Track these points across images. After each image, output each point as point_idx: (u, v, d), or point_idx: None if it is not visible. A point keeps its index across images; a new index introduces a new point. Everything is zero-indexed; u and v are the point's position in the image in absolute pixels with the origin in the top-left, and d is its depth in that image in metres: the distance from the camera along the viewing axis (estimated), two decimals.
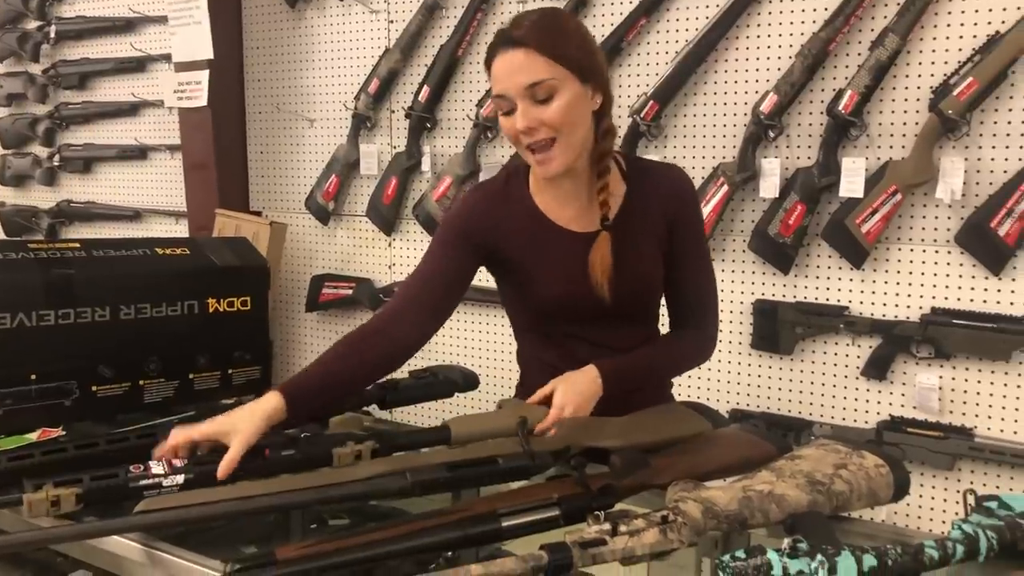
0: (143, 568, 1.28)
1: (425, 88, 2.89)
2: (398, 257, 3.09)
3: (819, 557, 1.01)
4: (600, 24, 2.60)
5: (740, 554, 1.00)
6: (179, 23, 3.20)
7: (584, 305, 1.57)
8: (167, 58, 3.34)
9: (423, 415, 2.90)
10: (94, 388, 1.70)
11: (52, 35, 3.67)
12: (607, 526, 1.08)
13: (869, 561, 1.02)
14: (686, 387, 2.51)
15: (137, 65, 3.54)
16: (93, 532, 1.23)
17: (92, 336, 1.69)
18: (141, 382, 1.77)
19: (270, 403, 1.34)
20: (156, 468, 1.32)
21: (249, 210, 3.36)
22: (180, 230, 3.49)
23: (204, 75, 3.20)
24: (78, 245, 1.76)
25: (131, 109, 3.59)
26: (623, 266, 1.55)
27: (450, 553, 1.19)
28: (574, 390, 1.47)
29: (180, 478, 1.32)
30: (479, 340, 2.93)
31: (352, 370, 1.49)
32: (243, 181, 3.38)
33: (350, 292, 3.14)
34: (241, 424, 1.29)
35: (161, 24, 3.39)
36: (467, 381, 1.84)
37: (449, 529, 1.14)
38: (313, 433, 1.50)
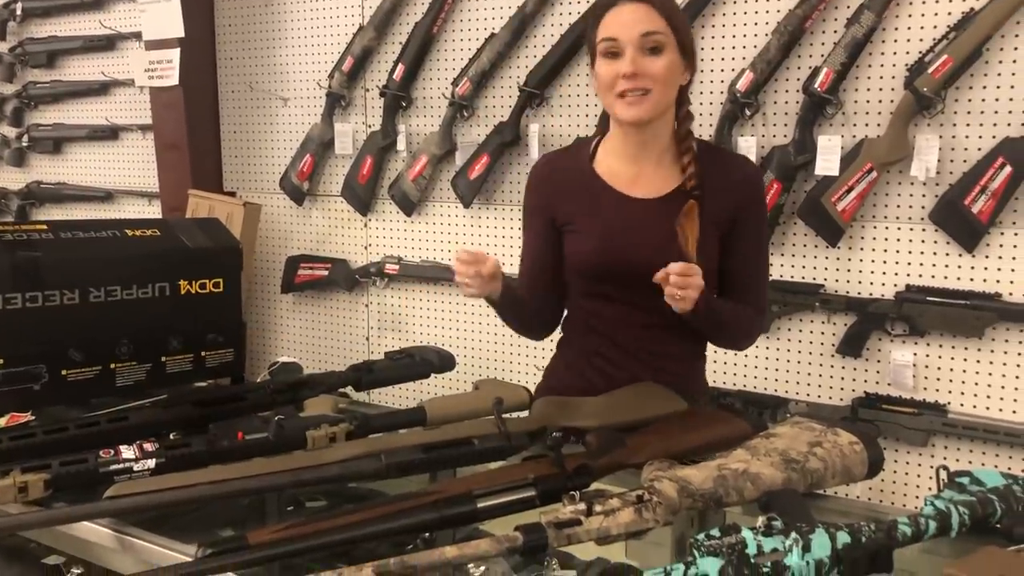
0: (114, 554, 1.27)
1: (400, 66, 2.86)
2: (374, 237, 3.07)
3: (793, 535, 1.01)
4: (576, 1, 2.58)
5: (715, 532, 1.00)
6: (149, 0, 3.15)
7: (624, 268, 1.62)
8: (137, 36, 3.28)
9: (400, 397, 2.89)
10: (64, 372, 1.67)
11: (19, 12, 3.60)
12: (582, 506, 1.08)
13: (843, 538, 1.03)
14: None
15: (107, 43, 3.48)
16: (62, 518, 1.22)
17: (61, 319, 1.66)
18: (112, 365, 1.74)
19: None
20: (127, 452, 1.31)
21: (223, 191, 3.32)
22: (153, 211, 3.45)
23: (175, 53, 3.15)
24: (46, 227, 1.72)
25: (101, 88, 3.52)
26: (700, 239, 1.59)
27: (428, 535, 1.18)
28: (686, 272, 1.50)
29: (151, 462, 1.31)
30: (456, 321, 2.92)
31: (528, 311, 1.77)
32: (216, 161, 3.33)
33: (326, 273, 3.12)
34: None
35: (130, 1, 3.33)
36: (443, 362, 1.84)
37: (424, 511, 1.13)
38: (287, 416, 1.49)
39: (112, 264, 1.73)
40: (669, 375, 1.67)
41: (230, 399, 1.57)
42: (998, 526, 1.15)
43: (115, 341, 1.74)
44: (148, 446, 1.33)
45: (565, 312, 1.81)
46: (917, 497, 2.28)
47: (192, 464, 1.34)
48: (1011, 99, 2.10)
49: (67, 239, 1.71)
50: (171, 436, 1.46)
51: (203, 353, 1.85)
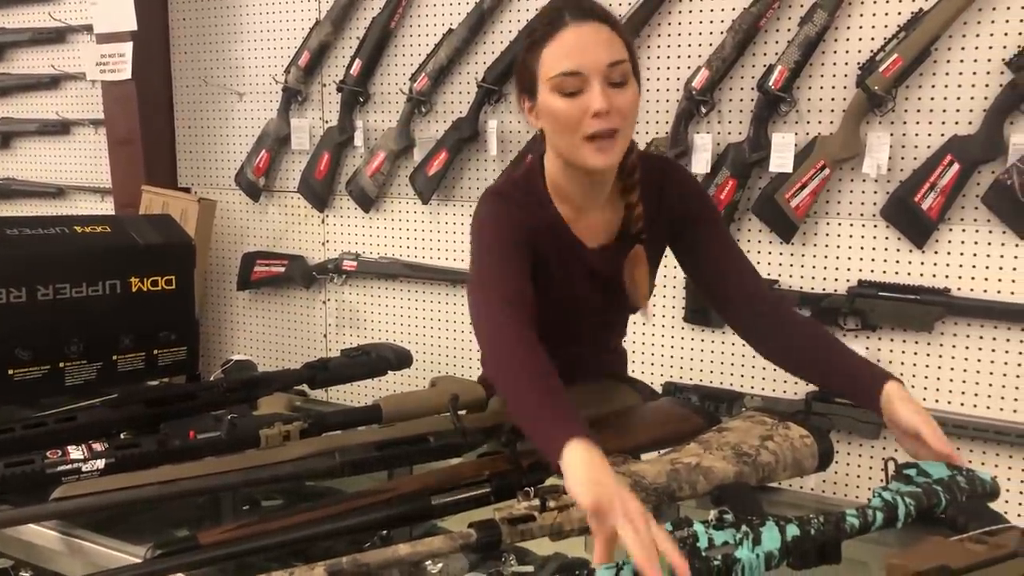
0: (62, 557, 1.25)
1: (357, 61, 2.84)
2: (332, 233, 3.05)
3: (744, 528, 1.02)
4: None
5: (667, 527, 1.00)
6: None
7: (580, 321, 1.52)
8: (88, 29, 3.22)
9: (357, 394, 2.87)
10: (11, 372, 1.64)
11: None
12: (536, 502, 1.09)
13: (792, 531, 1.04)
14: None
15: (56, 36, 3.40)
16: (7, 521, 1.20)
17: (7, 318, 1.62)
18: (62, 364, 1.71)
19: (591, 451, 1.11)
20: (75, 453, 1.29)
21: (177, 187, 3.27)
22: (105, 207, 3.39)
23: (127, 47, 3.09)
24: None
25: (51, 82, 3.45)
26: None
27: (384, 532, 1.18)
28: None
29: (101, 463, 1.29)
30: (412, 317, 2.91)
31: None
32: (170, 157, 3.29)
33: (283, 270, 3.09)
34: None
35: None
36: (400, 359, 1.83)
37: (378, 509, 1.13)
38: (241, 414, 1.47)
39: (61, 261, 1.70)
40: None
41: (182, 398, 1.55)
42: (943, 516, 1.17)
43: (64, 340, 1.71)
44: (97, 446, 1.31)
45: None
46: (869, 489, 2.31)
47: (143, 464, 1.32)
48: (959, 98, 2.14)
49: (13, 236, 1.67)
50: (122, 436, 1.43)
51: (155, 351, 1.82)
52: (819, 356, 1.42)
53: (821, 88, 2.28)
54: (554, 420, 1.13)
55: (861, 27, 2.22)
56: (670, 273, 2.49)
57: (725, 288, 1.51)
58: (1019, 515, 2.16)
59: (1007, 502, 2.16)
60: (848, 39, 2.24)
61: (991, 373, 2.17)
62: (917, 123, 2.19)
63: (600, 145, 1.32)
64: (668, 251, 1.58)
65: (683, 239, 1.53)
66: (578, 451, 1.07)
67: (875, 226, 2.27)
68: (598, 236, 1.48)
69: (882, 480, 1.27)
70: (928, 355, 2.24)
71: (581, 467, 1.06)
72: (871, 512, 1.11)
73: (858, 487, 2.35)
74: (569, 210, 1.45)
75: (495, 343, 1.28)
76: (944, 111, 2.16)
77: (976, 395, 2.20)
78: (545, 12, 1.36)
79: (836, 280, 2.32)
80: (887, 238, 2.26)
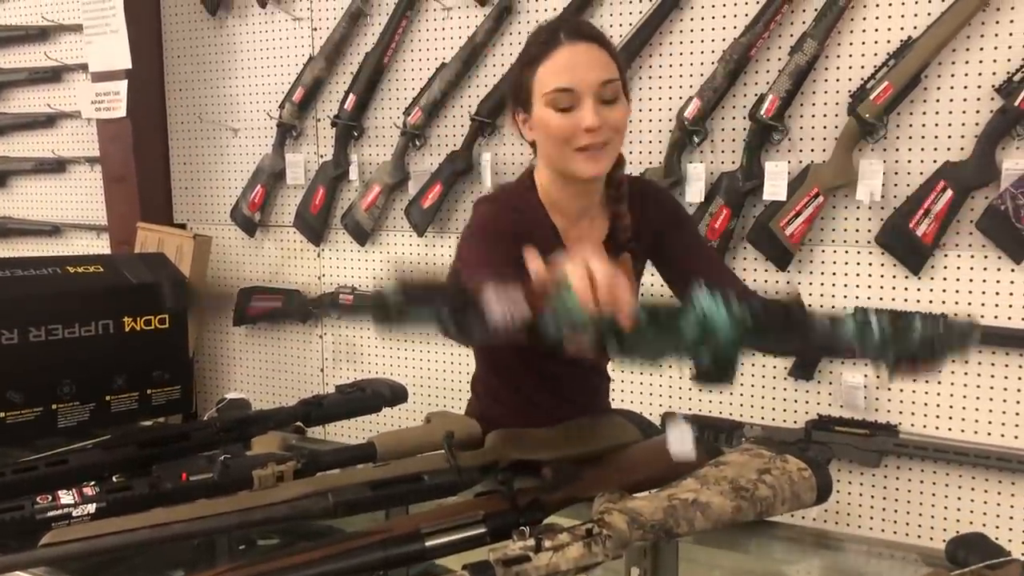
0: None
1: (351, 96, 2.85)
2: (328, 267, 3.04)
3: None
4: (525, 32, 2.60)
5: None
6: (95, 32, 3.12)
7: None
8: (84, 68, 3.24)
9: (354, 430, 2.85)
10: (3, 415, 1.63)
11: None
12: (531, 542, 1.07)
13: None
14: (619, 392, 2.52)
15: (52, 75, 3.43)
16: None
17: None
18: (54, 406, 1.70)
19: None
20: (65, 498, 1.27)
21: (173, 223, 3.28)
22: (101, 245, 3.39)
23: (122, 85, 3.11)
24: None
25: (47, 121, 3.47)
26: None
27: (381, 574, 1.16)
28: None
29: (92, 507, 1.27)
30: (410, 352, 2.90)
31: None
32: (166, 193, 3.29)
33: (279, 304, 3.08)
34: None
35: (76, 33, 3.29)
36: (395, 395, 1.81)
37: (371, 551, 1.11)
38: (234, 454, 1.46)
39: (53, 302, 1.69)
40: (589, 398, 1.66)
41: (175, 438, 1.54)
42: (930, 541, 1.16)
43: (57, 381, 1.70)
44: (88, 490, 1.29)
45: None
46: (872, 517, 2.30)
47: (135, 507, 1.30)
48: (950, 124, 2.15)
49: (5, 277, 1.67)
50: (113, 479, 1.42)
51: (149, 391, 1.81)
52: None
53: (813, 116, 2.29)
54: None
55: (851, 55, 2.23)
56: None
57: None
58: (1023, 543, 2.13)
59: (1011, 530, 2.14)
60: (839, 67, 2.25)
61: (991, 399, 2.16)
62: (909, 150, 2.20)
63: (591, 154, 1.39)
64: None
65: (662, 248, 1.57)
66: None
67: (870, 253, 2.26)
68: (590, 243, 1.51)
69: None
70: (927, 382, 2.23)
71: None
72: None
73: (860, 516, 2.32)
74: (562, 220, 1.50)
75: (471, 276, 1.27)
76: (936, 137, 2.16)
77: (976, 421, 2.18)
78: (542, 31, 1.43)
79: (833, 307, 2.31)
80: (883, 265, 2.25)
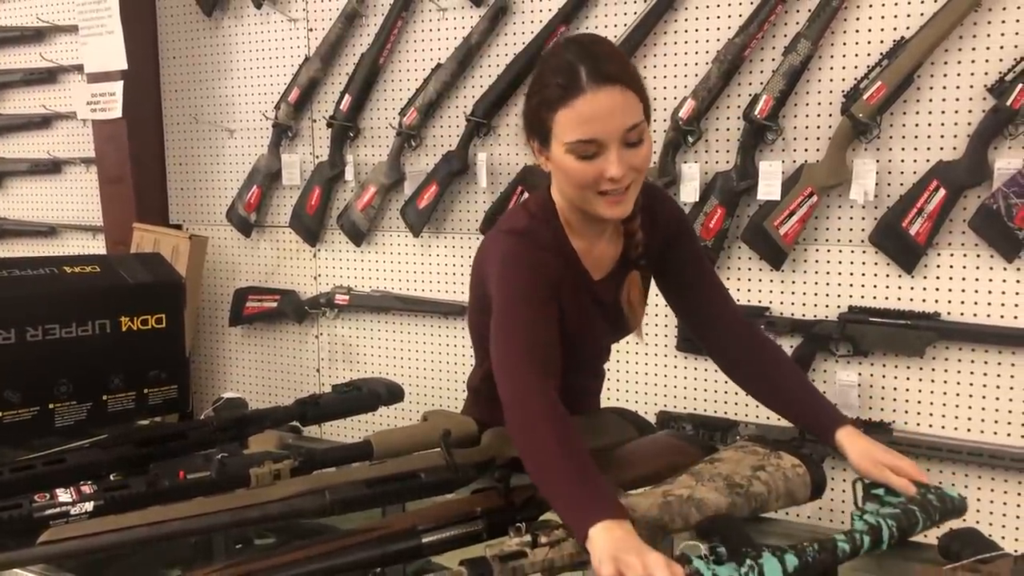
0: None
1: (347, 97, 2.86)
2: (323, 268, 3.05)
3: (748, 562, 1.02)
4: (521, 32, 2.61)
5: None
6: (90, 33, 3.12)
7: (588, 349, 1.55)
8: (79, 69, 3.24)
9: (350, 429, 2.86)
10: (0, 414, 1.63)
11: None
12: (528, 538, 1.08)
13: (791, 561, 1.04)
14: (615, 391, 2.53)
15: (48, 76, 3.42)
16: None
17: None
18: (51, 405, 1.70)
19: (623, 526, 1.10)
20: (63, 496, 1.28)
21: (168, 224, 3.28)
22: (97, 245, 3.39)
23: (118, 86, 3.11)
24: None
25: (43, 122, 3.47)
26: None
27: (378, 570, 1.17)
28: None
29: (89, 505, 1.28)
30: (404, 350, 2.91)
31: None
32: (161, 194, 3.30)
33: (275, 305, 3.09)
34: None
35: (72, 34, 3.29)
36: (392, 394, 1.82)
37: (368, 547, 1.12)
38: (231, 453, 1.46)
39: (50, 302, 1.70)
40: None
41: (172, 437, 1.54)
42: (924, 537, 1.18)
43: (54, 380, 1.70)
44: (86, 488, 1.30)
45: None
46: None
47: (132, 506, 1.31)
48: (943, 124, 2.16)
49: (3, 277, 1.67)
50: (111, 477, 1.42)
51: (146, 390, 1.81)
52: (785, 386, 1.50)
53: (807, 116, 2.30)
54: (585, 497, 1.12)
55: (844, 56, 2.24)
56: (662, 301, 2.50)
57: (700, 308, 1.57)
58: (1016, 539, 2.15)
59: (1004, 527, 2.16)
60: (832, 68, 2.26)
61: (983, 397, 2.17)
62: (903, 149, 2.21)
63: (614, 199, 1.33)
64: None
65: (665, 259, 1.56)
66: (609, 528, 1.06)
67: (864, 252, 2.28)
68: (603, 267, 1.50)
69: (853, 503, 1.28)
70: (920, 380, 2.24)
71: (610, 542, 1.05)
72: (858, 536, 1.12)
73: None
74: (581, 244, 1.47)
75: (521, 405, 1.26)
76: (929, 137, 2.18)
77: (969, 419, 2.20)
78: (559, 66, 1.31)
79: (827, 306, 2.32)
80: (876, 264, 2.26)
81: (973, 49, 2.11)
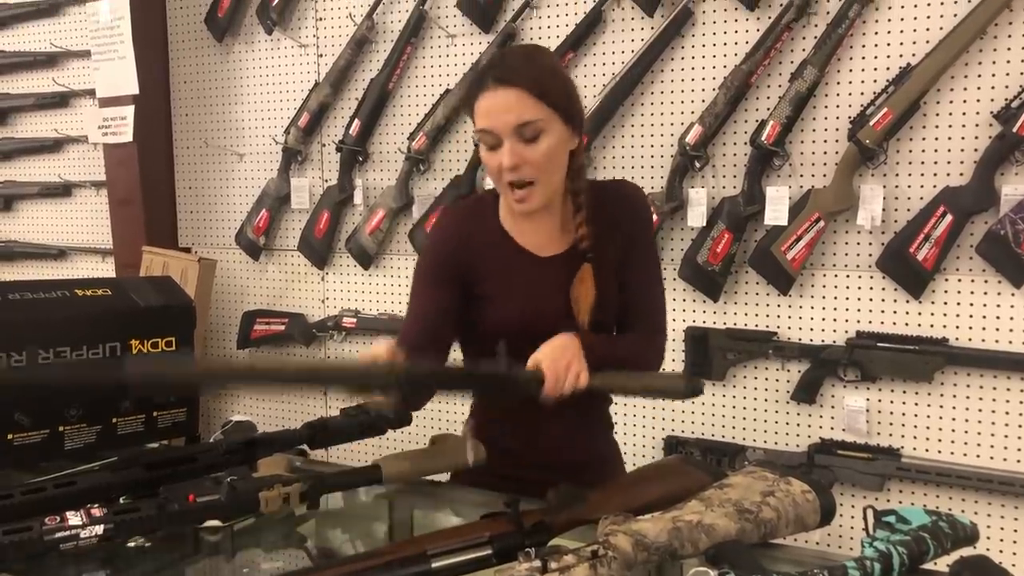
0: None
1: (356, 122, 2.88)
2: (331, 291, 3.06)
3: None
4: None
5: None
6: (103, 58, 3.15)
7: (544, 328, 1.53)
8: (91, 93, 3.28)
9: (358, 452, 2.85)
10: (10, 436, 1.64)
11: None
12: (537, 563, 1.08)
13: None
14: (622, 415, 2.52)
15: (60, 100, 3.46)
16: None
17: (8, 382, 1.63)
18: (61, 428, 1.70)
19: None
20: (73, 519, 1.28)
21: (178, 247, 3.30)
22: (107, 268, 3.41)
23: (129, 110, 3.14)
24: None
25: (54, 145, 3.50)
26: (599, 295, 1.56)
27: None
28: (557, 355, 1.44)
29: (99, 528, 1.28)
30: None
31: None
32: (171, 217, 3.32)
33: (283, 328, 3.10)
34: None
35: (84, 59, 3.32)
36: (399, 417, 1.82)
37: (377, 571, 1.12)
38: (240, 476, 1.46)
39: (61, 325, 1.70)
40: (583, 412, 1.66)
41: (182, 460, 1.54)
42: (934, 564, 1.17)
43: (64, 403, 1.70)
44: (96, 511, 1.30)
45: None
46: None
47: (142, 529, 1.31)
48: (949, 149, 2.17)
49: (14, 300, 1.68)
50: (121, 500, 1.42)
51: (155, 413, 1.81)
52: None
53: (813, 142, 2.32)
54: None
55: (851, 82, 2.26)
56: (670, 326, 2.50)
57: (625, 312, 1.63)
58: None
59: (1015, 554, 2.14)
60: (838, 94, 2.28)
61: (992, 423, 2.17)
62: (909, 175, 2.22)
63: (519, 195, 1.50)
64: None
65: (624, 256, 1.61)
66: None
67: (871, 277, 2.28)
68: (550, 246, 1.60)
69: (864, 529, 1.27)
70: (929, 405, 2.24)
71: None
72: (869, 563, 1.11)
73: None
74: (513, 222, 1.60)
75: None
76: (935, 163, 2.19)
77: (979, 445, 2.19)
78: (477, 71, 1.55)
79: (835, 331, 2.33)
80: (884, 289, 2.27)
81: (979, 76, 2.12)
